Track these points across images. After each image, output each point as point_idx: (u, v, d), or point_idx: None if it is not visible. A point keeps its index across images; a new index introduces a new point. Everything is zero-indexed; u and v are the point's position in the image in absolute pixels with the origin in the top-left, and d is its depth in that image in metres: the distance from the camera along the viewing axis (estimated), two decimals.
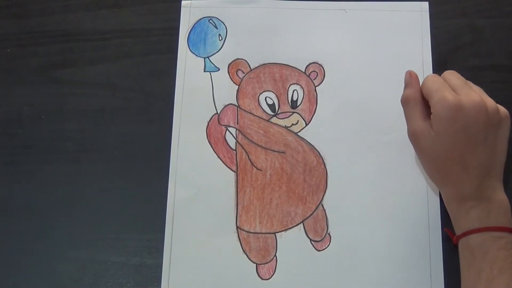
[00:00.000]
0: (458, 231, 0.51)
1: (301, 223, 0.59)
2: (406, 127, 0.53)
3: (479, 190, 0.50)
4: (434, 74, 0.54)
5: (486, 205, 0.50)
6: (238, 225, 0.59)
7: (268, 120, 0.62)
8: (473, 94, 0.50)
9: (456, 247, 0.52)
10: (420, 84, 0.53)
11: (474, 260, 0.49)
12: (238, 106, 0.62)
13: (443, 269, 0.56)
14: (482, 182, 0.50)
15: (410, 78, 0.54)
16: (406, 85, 0.54)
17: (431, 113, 0.51)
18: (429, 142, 0.51)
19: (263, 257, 0.58)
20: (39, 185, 0.61)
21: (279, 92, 0.62)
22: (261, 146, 0.61)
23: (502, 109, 0.52)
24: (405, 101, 0.53)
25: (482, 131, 0.49)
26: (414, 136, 0.52)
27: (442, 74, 0.53)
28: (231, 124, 0.62)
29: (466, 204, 0.50)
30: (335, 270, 0.57)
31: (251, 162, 0.60)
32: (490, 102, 0.51)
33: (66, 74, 0.65)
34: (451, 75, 0.53)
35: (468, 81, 0.53)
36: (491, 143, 0.50)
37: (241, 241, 0.58)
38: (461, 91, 0.50)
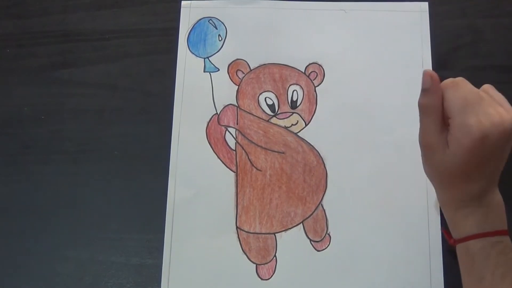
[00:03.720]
0: (455, 235, 0.51)
1: (301, 223, 0.59)
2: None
3: (479, 196, 0.49)
4: (456, 83, 0.48)
5: (485, 210, 0.49)
6: (238, 225, 0.59)
7: (267, 121, 0.62)
8: (495, 116, 0.47)
9: (452, 247, 0.52)
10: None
11: (474, 266, 0.48)
12: (238, 107, 0.62)
13: (443, 269, 0.56)
14: (484, 189, 0.49)
15: (432, 82, 0.47)
16: (426, 91, 0.48)
17: (447, 127, 0.49)
18: (441, 157, 0.49)
19: (263, 257, 0.58)
20: (39, 185, 0.61)
21: (279, 92, 0.62)
22: (261, 147, 0.61)
23: None
24: (424, 110, 0.49)
25: (495, 150, 0.47)
26: (427, 148, 0.50)
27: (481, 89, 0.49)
28: (231, 125, 0.62)
29: (464, 210, 0.49)
30: (335, 271, 0.57)
31: (251, 163, 0.60)
32: (508, 118, 0.47)
33: (66, 74, 0.65)
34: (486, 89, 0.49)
35: (492, 98, 0.49)
36: (499, 156, 0.49)
37: (241, 241, 0.58)
38: (481, 110, 0.46)
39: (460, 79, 0.48)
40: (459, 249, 0.51)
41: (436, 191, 0.53)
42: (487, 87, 0.50)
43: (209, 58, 0.64)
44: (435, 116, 0.48)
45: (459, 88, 0.47)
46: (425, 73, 0.48)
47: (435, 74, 0.48)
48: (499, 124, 0.47)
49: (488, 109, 0.47)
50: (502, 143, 0.48)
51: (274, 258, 0.58)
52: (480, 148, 0.47)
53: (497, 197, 0.50)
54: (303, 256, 0.58)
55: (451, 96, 0.47)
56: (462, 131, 0.47)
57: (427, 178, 0.57)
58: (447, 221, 0.52)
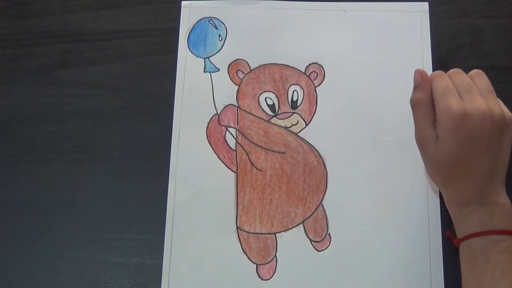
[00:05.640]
0: (459, 234, 0.51)
1: (301, 224, 0.59)
2: (413, 129, 0.52)
3: (481, 194, 0.49)
4: (440, 74, 0.51)
5: (488, 209, 0.49)
6: (238, 225, 0.59)
7: (268, 121, 0.62)
8: (479, 101, 0.49)
9: (456, 250, 0.52)
10: None
11: (476, 264, 0.49)
12: (238, 107, 0.62)
13: (443, 270, 0.56)
14: (485, 187, 0.49)
15: (421, 80, 0.50)
16: (417, 87, 0.51)
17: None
18: (434, 149, 0.50)
19: (263, 257, 0.58)
20: (39, 185, 0.61)
21: (279, 92, 0.62)
22: (261, 147, 0.61)
23: (508, 114, 0.50)
24: (415, 105, 0.51)
25: (487, 138, 0.48)
26: (421, 142, 0.51)
27: (448, 73, 0.51)
28: (231, 125, 0.62)
29: (468, 208, 0.50)
30: (335, 271, 0.57)
31: (251, 163, 0.60)
32: (496, 108, 0.49)
33: (66, 74, 0.65)
34: (457, 76, 0.51)
35: (474, 86, 0.50)
36: (495, 148, 0.49)
37: (241, 242, 0.58)
38: (466, 96, 0.49)
39: (451, 70, 0.52)
40: (462, 247, 0.51)
41: (441, 191, 0.54)
42: (474, 73, 0.52)
43: (209, 58, 0.64)
44: (425, 109, 0.50)
45: (443, 76, 0.50)
46: (416, 71, 0.51)
47: (424, 72, 0.51)
48: (483, 110, 0.48)
49: (475, 97, 0.49)
50: (486, 132, 0.48)
51: (275, 258, 0.58)
52: (462, 128, 0.48)
53: (503, 198, 0.50)
54: (304, 256, 0.58)
55: (435, 84, 0.50)
56: (444, 113, 0.49)
57: (427, 178, 0.58)
58: (452, 220, 0.53)
